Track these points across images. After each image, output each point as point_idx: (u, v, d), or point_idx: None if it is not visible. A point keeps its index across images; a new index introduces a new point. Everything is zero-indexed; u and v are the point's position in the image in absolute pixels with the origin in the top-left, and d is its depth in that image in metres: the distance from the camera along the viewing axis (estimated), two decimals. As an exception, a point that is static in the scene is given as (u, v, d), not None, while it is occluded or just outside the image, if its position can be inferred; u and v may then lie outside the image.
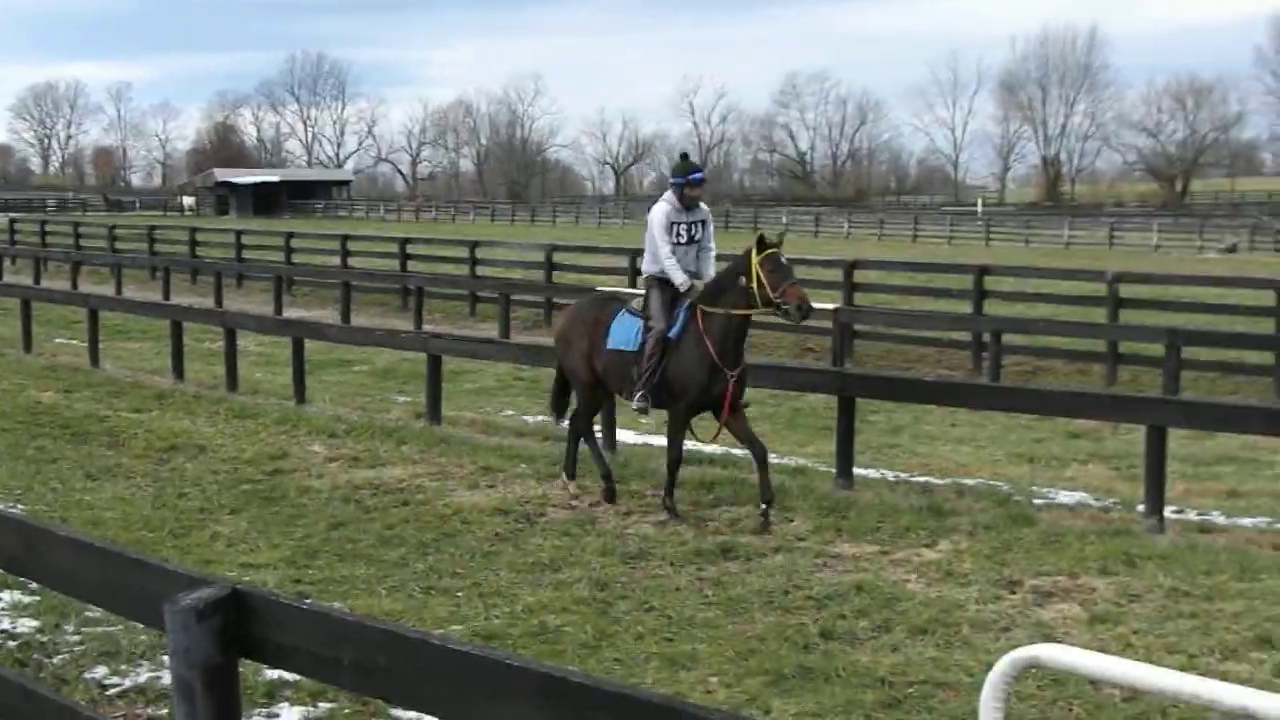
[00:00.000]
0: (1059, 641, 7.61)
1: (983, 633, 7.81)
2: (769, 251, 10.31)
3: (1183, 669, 7.10)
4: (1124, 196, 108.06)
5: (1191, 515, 11.02)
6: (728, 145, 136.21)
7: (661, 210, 10.80)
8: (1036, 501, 11.20)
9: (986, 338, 21.29)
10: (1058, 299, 24.75)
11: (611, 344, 10.88)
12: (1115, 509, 11.18)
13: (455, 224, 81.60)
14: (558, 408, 11.96)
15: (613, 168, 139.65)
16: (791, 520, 10.31)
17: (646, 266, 10.98)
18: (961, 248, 62.26)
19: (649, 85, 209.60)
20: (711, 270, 10.96)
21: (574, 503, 11.07)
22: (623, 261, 29.06)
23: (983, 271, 24.44)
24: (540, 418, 15.87)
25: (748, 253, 10.39)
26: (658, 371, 10.55)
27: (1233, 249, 58.57)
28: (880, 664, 7.30)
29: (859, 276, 26.06)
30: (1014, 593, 8.54)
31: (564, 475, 11.46)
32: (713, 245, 11.12)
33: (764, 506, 10.22)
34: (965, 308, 24.16)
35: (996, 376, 20.34)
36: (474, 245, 33.31)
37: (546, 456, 12.43)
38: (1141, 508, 10.56)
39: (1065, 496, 11.74)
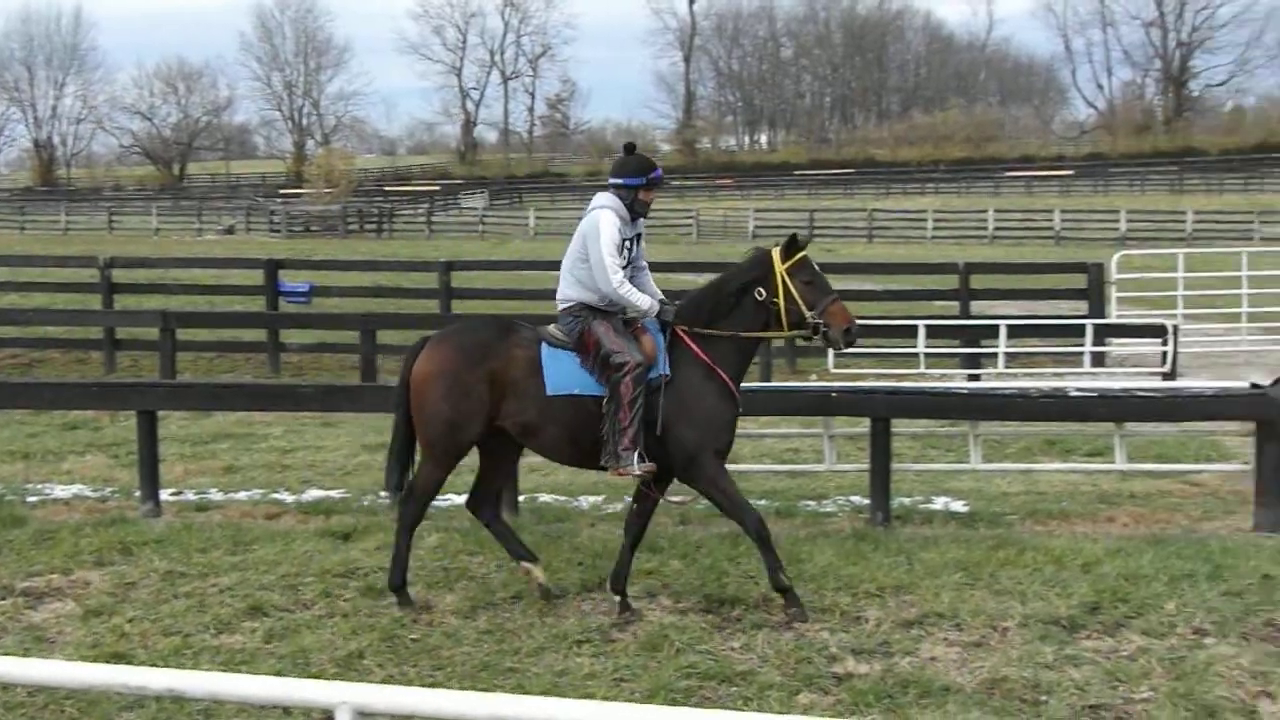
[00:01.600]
0: (52, 642, 7.42)
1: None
2: (800, 257, 7.77)
3: (179, 649, 7.28)
4: (123, 180, 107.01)
5: (190, 495, 11.21)
6: None
7: (611, 223, 7.78)
8: (30, 499, 10.81)
9: (-24, 332, 20.35)
10: (54, 287, 24.11)
11: (555, 388, 7.75)
12: (113, 498, 11.09)
13: None
14: (401, 479, 8.22)
15: None
16: None
17: (572, 293, 7.91)
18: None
19: None
20: (651, 290, 8.10)
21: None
22: None
23: (-32, 262, 23.21)
24: None
25: (765, 257, 7.85)
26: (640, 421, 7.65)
27: (230, 230, 60.43)
28: None
29: None
30: (4, 599, 8.14)
31: (397, 587, 8.00)
32: (645, 261, 8.21)
33: (616, 597, 7.88)
34: (-48, 302, 22.77)
35: (-11, 372, 19.50)
36: None
37: None
38: (138, 493, 10.55)
39: (61, 491, 11.44)
